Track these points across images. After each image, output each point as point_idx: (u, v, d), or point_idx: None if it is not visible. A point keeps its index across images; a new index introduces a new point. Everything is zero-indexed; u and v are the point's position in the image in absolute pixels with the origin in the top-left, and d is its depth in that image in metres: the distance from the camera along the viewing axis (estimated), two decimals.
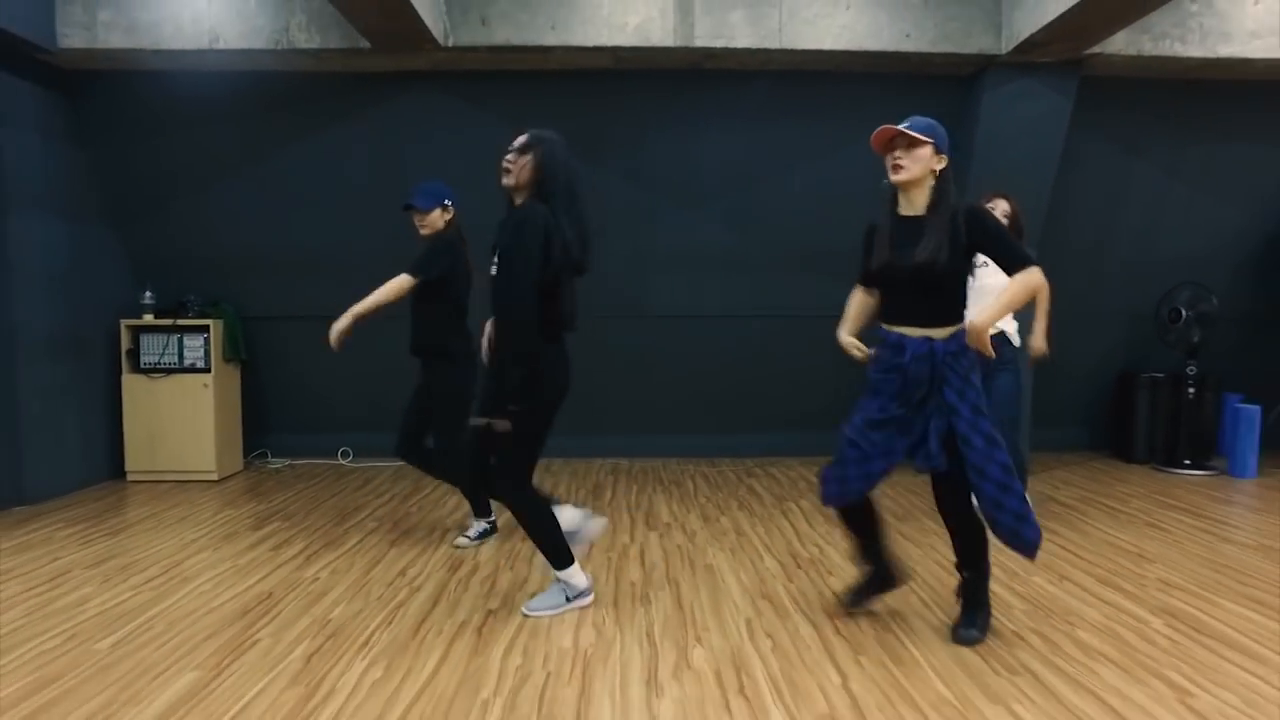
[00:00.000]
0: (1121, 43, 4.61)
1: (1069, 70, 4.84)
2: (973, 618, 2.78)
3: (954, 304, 2.65)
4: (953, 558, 2.85)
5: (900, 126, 2.58)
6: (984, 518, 2.64)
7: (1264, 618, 2.94)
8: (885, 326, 2.71)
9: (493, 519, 3.90)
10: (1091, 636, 2.78)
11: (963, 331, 2.63)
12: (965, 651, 2.66)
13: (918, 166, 2.57)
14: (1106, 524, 4.23)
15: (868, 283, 2.85)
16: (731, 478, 5.39)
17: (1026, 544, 2.59)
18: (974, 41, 4.69)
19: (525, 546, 3.81)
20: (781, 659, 2.61)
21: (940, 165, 2.60)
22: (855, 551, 2.95)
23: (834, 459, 2.75)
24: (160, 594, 3.19)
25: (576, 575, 2.97)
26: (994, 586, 3.21)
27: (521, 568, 3.51)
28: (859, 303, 2.93)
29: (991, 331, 3.83)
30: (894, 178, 2.61)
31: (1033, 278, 2.58)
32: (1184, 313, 5.54)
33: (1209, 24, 4.58)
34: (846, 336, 2.89)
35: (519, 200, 2.83)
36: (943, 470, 2.61)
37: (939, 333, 2.61)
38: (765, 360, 5.76)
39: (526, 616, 2.92)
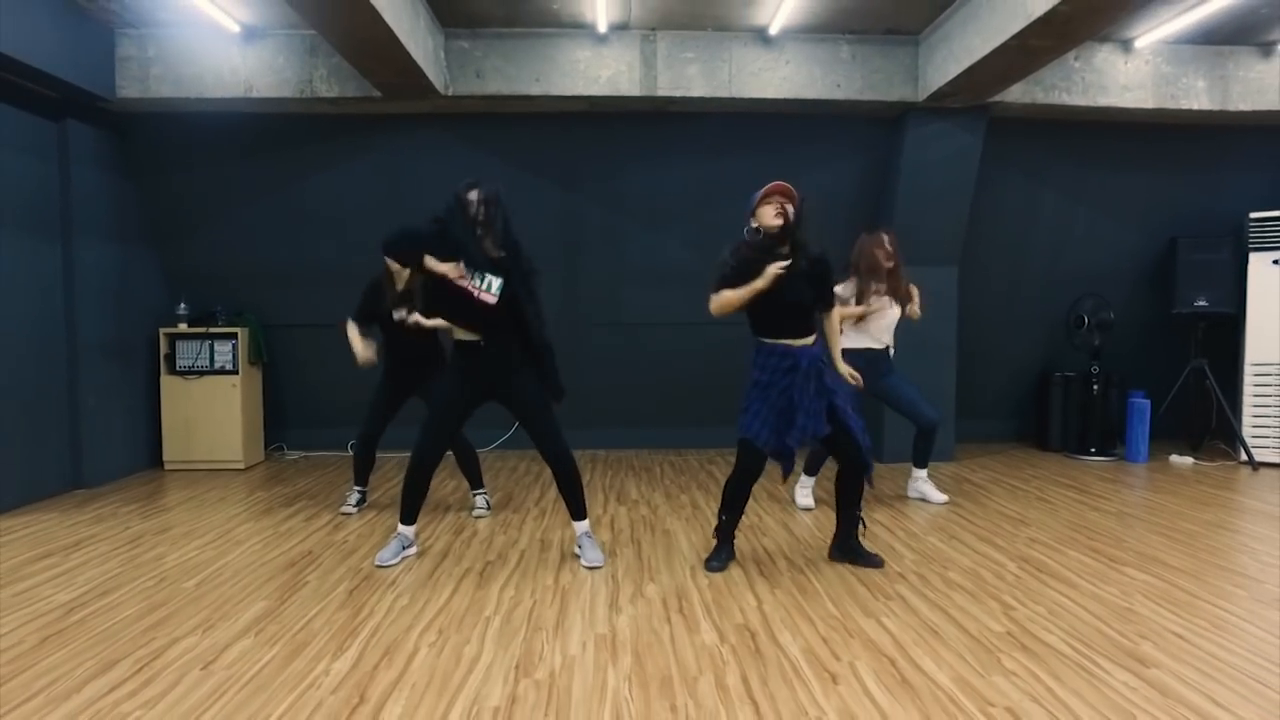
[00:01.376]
0: (1018, 93, 5.45)
1: (978, 113, 5.67)
2: (862, 546, 3.74)
3: (813, 320, 3.59)
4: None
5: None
6: (860, 451, 3.57)
7: (1094, 561, 3.77)
8: (769, 341, 3.56)
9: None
10: (957, 575, 3.59)
11: (819, 340, 3.61)
12: (856, 585, 3.47)
13: (788, 216, 3.42)
14: (1004, 499, 5.06)
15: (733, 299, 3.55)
16: (694, 465, 6.19)
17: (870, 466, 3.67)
18: (895, 91, 5.51)
19: (518, 516, 4.60)
20: (714, 591, 3.41)
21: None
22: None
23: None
24: (220, 552, 3.95)
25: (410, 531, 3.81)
26: (894, 544, 4.05)
27: (513, 533, 4.29)
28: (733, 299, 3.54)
29: (884, 347, 4.71)
30: (778, 222, 3.41)
31: (834, 315, 3.78)
32: (1087, 320, 6.38)
33: (1089, 78, 5.43)
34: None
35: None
36: (829, 434, 3.53)
37: (809, 341, 3.55)
38: (722, 361, 6.51)
39: (378, 567, 3.66)
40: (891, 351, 4.81)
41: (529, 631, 2.96)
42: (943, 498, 4.93)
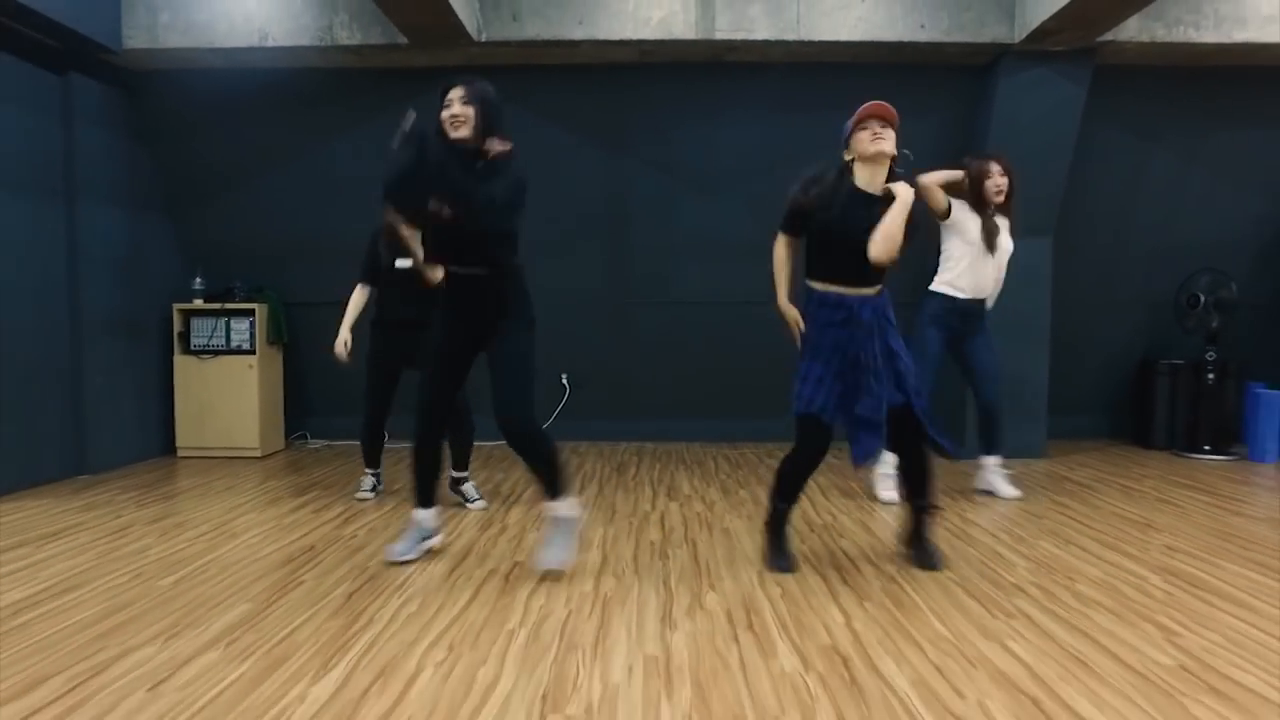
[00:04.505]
0: (1134, 29, 4.70)
1: (1083, 58, 4.93)
2: (931, 543, 3.17)
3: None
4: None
5: None
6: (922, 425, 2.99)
7: (1263, 577, 3.04)
8: (819, 286, 2.99)
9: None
10: (1089, 589, 2.90)
11: (885, 290, 3.00)
12: (965, 598, 2.81)
13: (891, 146, 2.88)
14: (1118, 500, 4.32)
15: (796, 231, 3.04)
16: (753, 458, 5.55)
17: (951, 443, 3.04)
18: (987, 31, 4.81)
19: None
20: (789, 602, 2.77)
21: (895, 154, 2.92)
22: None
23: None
24: (212, 545, 3.44)
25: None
26: (998, 548, 3.37)
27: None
28: (787, 259, 3.09)
29: (972, 296, 4.04)
30: (874, 148, 2.86)
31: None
32: (1202, 299, 5.57)
33: (1224, 9, 4.65)
34: (789, 306, 3.10)
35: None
36: (899, 405, 2.95)
37: (872, 291, 2.95)
38: (784, 345, 5.88)
39: (388, 563, 3.11)
40: (988, 304, 4.21)
41: (561, 650, 2.37)
42: (1014, 493, 4.25)
